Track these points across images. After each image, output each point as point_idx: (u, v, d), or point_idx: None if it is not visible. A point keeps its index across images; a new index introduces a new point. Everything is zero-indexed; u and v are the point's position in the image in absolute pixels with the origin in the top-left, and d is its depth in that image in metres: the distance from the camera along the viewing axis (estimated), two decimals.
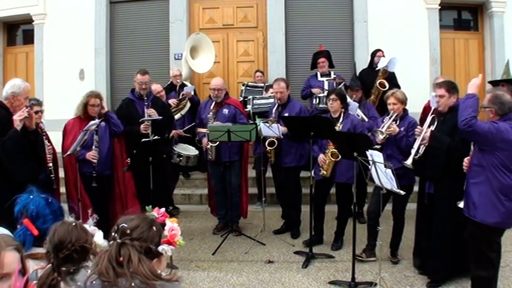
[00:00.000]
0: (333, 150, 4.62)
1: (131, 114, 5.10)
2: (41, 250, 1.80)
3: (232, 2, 8.19)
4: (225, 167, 5.21)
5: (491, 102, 3.28)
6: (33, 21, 8.42)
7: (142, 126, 4.97)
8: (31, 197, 1.98)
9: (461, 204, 3.47)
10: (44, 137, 4.23)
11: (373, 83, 6.24)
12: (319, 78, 6.63)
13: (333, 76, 6.62)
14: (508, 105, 3.26)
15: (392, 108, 4.28)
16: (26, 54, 8.84)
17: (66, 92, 7.63)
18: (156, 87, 5.98)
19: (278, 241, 5.10)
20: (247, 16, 8.17)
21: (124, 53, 8.37)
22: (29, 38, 8.80)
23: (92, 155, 4.49)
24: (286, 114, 5.17)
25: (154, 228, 1.62)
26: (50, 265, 1.61)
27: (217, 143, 5.14)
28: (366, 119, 5.44)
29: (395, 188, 3.57)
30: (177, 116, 6.53)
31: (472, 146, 3.51)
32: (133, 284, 1.46)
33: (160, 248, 1.61)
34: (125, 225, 1.56)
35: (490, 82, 6.15)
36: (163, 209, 1.81)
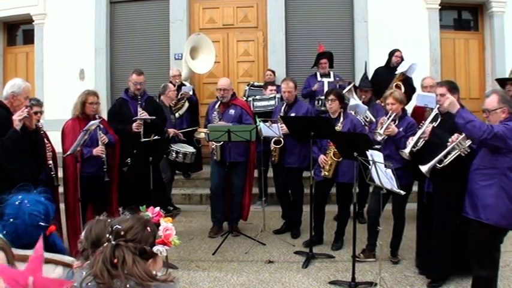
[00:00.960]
0: (335, 150, 4.62)
1: (124, 114, 5.08)
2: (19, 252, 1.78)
3: (232, 2, 8.19)
4: (229, 167, 5.18)
5: (502, 103, 3.26)
6: (33, 21, 8.43)
7: (134, 125, 4.96)
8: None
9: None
10: (43, 135, 4.22)
11: (388, 82, 6.18)
12: (319, 79, 6.64)
13: (332, 76, 6.62)
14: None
15: (390, 108, 4.26)
16: (26, 54, 8.85)
17: (66, 92, 7.62)
18: (172, 85, 6.15)
19: (278, 241, 5.10)
20: (247, 16, 8.17)
21: (124, 53, 8.37)
22: (29, 38, 8.81)
23: (100, 150, 4.51)
24: (293, 114, 5.17)
25: (148, 228, 1.61)
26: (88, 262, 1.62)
27: (222, 143, 5.14)
28: (374, 120, 5.40)
29: (395, 188, 3.57)
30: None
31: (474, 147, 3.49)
32: (128, 286, 1.46)
33: (155, 249, 1.61)
34: (119, 227, 1.56)
35: (497, 80, 6.11)
36: (157, 208, 1.80)
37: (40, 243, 1.48)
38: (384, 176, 3.60)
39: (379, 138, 4.17)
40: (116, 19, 8.42)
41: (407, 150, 3.88)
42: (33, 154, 3.76)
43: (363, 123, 5.17)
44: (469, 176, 3.44)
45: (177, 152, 5.52)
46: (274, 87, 6.21)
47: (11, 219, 1.84)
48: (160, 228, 1.69)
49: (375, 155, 3.64)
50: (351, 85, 6.08)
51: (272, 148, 5.17)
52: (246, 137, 4.86)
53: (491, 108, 3.28)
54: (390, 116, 4.22)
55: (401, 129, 4.18)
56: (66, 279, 1.62)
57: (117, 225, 1.57)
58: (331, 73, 6.68)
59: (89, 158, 4.55)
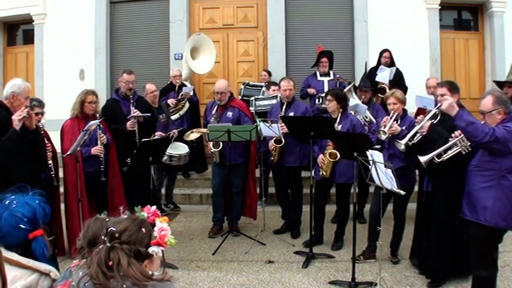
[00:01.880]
0: (331, 151, 4.63)
1: (116, 115, 5.09)
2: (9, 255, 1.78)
3: (232, 2, 8.20)
4: (229, 168, 5.17)
5: (497, 104, 3.23)
6: (33, 21, 8.43)
7: (129, 123, 4.97)
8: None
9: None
10: (43, 135, 4.22)
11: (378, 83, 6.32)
12: (319, 78, 6.66)
13: (332, 75, 6.64)
14: (509, 103, 3.27)
15: (392, 108, 4.28)
16: (26, 54, 8.85)
17: (66, 92, 7.59)
18: (150, 87, 5.97)
19: (278, 241, 5.10)
20: (247, 16, 8.18)
21: (124, 53, 8.38)
22: (29, 38, 8.81)
23: (98, 149, 4.51)
24: (292, 114, 5.17)
25: (143, 229, 1.61)
26: (84, 260, 1.62)
27: (220, 147, 5.14)
28: (374, 121, 5.40)
29: (395, 188, 3.57)
30: (175, 116, 6.53)
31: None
32: (124, 286, 1.47)
33: (150, 250, 1.61)
34: (114, 229, 1.56)
35: (495, 82, 6.14)
36: (154, 207, 1.80)
37: None
38: (384, 176, 3.60)
39: (383, 137, 4.17)
40: (116, 19, 8.42)
41: (403, 142, 3.89)
42: (33, 154, 3.76)
43: (363, 123, 5.17)
44: (467, 177, 3.43)
45: (169, 156, 5.50)
46: (277, 87, 6.22)
47: None
48: (155, 228, 1.69)
49: (375, 155, 3.64)
50: (351, 85, 6.09)
51: (272, 147, 5.16)
52: (246, 137, 4.85)
53: (487, 109, 3.26)
54: (392, 116, 4.24)
55: (404, 128, 4.20)
56: None
57: (111, 227, 1.57)
58: (331, 73, 6.71)
59: (88, 158, 4.56)
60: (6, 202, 1.86)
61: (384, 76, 6.33)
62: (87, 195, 4.53)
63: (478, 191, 3.29)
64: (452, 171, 3.60)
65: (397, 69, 6.68)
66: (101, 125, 4.62)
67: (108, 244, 1.53)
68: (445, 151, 3.55)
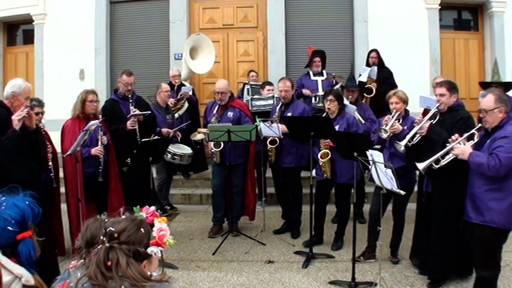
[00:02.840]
0: (324, 151, 4.63)
1: (116, 115, 5.09)
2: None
3: (232, 2, 8.20)
4: (229, 168, 5.16)
5: (498, 102, 3.24)
6: (33, 21, 8.43)
7: (129, 122, 4.98)
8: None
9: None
10: (44, 135, 4.22)
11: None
12: (312, 78, 6.62)
13: (325, 75, 6.61)
14: (508, 101, 3.28)
15: (394, 107, 4.28)
16: (26, 54, 8.85)
17: (66, 92, 7.60)
18: (165, 86, 6.04)
19: (278, 241, 5.10)
20: (247, 16, 8.18)
21: (124, 53, 8.38)
22: (29, 38, 8.82)
23: (98, 150, 4.52)
24: (289, 114, 5.17)
25: (142, 230, 1.61)
26: (82, 261, 1.62)
27: (221, 147, 5.14)
28: (363, 121, 5.41)
29: (395, 188, 3.57)
30: (175, 116, 6.52)
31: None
32: (123, 287, 1.47)
33: (149, 250, 1.61)
34: (112, 229, 1.56)
35: (480, 83, 6.16)
36: (152, 208, 1.80)
37: None
38: (384, 176, 3.60)
39: (384, 135, 4.17)
40: (116, 19, 8.43)
41: (403, 143, 3.89)
42: (33, 154, 3.76)
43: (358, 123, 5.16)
44: (469, 179, 3.40)
45: (173, 154, 5.52)
46: (272, 87, 6.22)
47: None
48: (154, 229, 1.69)
49: (375, 155, 3.64)
50: (338, 85, 6.11)
51: (268, 148, 5.18)
52: (245, 137, 4.85)
53: (488, 108, 3.26)
54: (394, 115, 4.24)
55: (405, 127, 4.19)
56: None
57: (110, 228, 1.57)
58: (324, 72, 6.66)
59: (87, 158, 4.56)
60: None
61: (364, 76, 6.36)
62: (86, 196, 4.53)
63: (482, 193, 3.27)
64: (451, 176, 3.60)
65: (386, 68, 6.69)
66: (101, 126, 4.62)
67: (107, 244, 1.53)
68: (443, 156, 3.54)
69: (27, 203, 1.88)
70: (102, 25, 8.21)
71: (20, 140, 3.53)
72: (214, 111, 5.27)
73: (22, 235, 1.84)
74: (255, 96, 6.16)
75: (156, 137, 5.14)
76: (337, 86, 6.03)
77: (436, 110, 3.89)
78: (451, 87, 3.88)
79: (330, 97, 4.77)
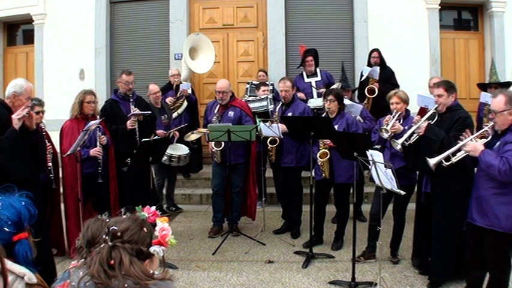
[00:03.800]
0: (323, 151, 4.63)
1: (116, 115, 5.10)
2: None
3: (232, 2, 8.19)
4: (229, 168, 5.16)
5: (509, 104, 3.14)
6: (33, 21, 8.43)
7: (129, 122, 4.97)
8: None
9: None
10: (44, 136, 4.23)
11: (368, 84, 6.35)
12: (306, 80, 6.54)
13: (319, 75, 6.53)
14: None
15: (395, 107, 4.28)
16: (26, 54, 8.84)
17: (66, 92, 7.61)
18: (154, 88, 5.98)
19: (278, 241, 5.10)
20: (247, 16, 8.17)
21: (124, 53, 8.37)
22: (29, 38, 8.81)
23: (97, 151, 4.52)
24: (290, 114, 5.17)
25: (145, 229, 1.62)
26: (83, 260, 1.62)
27: (222, 147, 5.14)
28: (362, 120, 5.42)
29: (395, 188, 3.57)
30: (174, 115, 6.51)
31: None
32: (126, 285, 1.47)
33: (151, 249, 1.62)
34: (115, 228, 1.57)
35: (478, 85, 6.14)
36: (153, 208, 1.80)
37: None
38: (384, 176, 3.60)
39: (385, 135, 4.18)
40: (116, 19, 8.42)
41: (400, 141, 3.89)
42: (32, 154, 3.76)
43: (357, 123, 5.16)
44: (476, 181, 3.35)
45: (169, 157, 5.50)
46: (267, 88, 6.13)
47: None
48: (156, 228, 1.69)
49: (375, 155, 3.64)
50: (336, 85, 6.10)
51: (268, 148, 5.17)
52: (246, 137, 4.85)
53: (498, 109, 3.17)
54: (395, 115, 4.24)
55: (406, 127, 4.19)
56: None
57: (113, 227, 1.57)
58: (318, 71, 6.58)
59: (87, 159, 4.56)
60: None
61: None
62: (85, 196, 4.53)
63: (490, 196, 3.20)
64: (453, 175, 3.58)
65: (388, 67, 6.66)
66: (101, 126, 4.62)
67: (110, 243, 1.53)
68: (454, 154, 3.46)
69: (23, 203, 1.87)
70: (102, 25, 8.20)
71: (19, 139, 3.53)
72: (215, 111, 5.27)
73: (18, 236, 1.83)
74: (250, 98, 6.10)
75: (156, 137, 5.14)
76: (336, 85, 6.01)
77: (435, 111, 3.88)
78: (449, 87, 3.86)
79: (330, 97, 4.77)
